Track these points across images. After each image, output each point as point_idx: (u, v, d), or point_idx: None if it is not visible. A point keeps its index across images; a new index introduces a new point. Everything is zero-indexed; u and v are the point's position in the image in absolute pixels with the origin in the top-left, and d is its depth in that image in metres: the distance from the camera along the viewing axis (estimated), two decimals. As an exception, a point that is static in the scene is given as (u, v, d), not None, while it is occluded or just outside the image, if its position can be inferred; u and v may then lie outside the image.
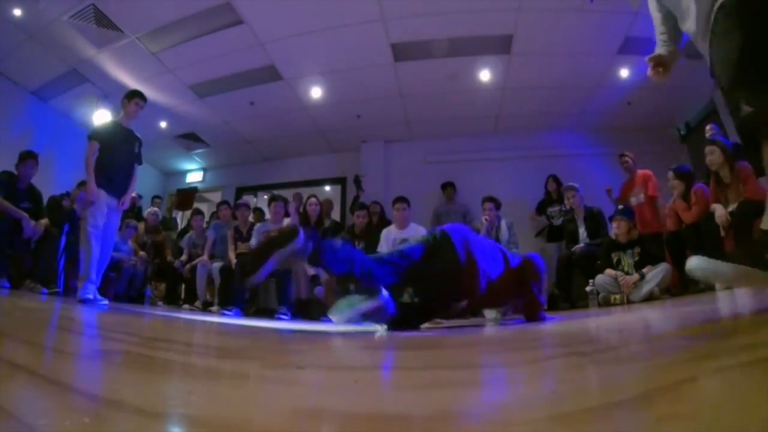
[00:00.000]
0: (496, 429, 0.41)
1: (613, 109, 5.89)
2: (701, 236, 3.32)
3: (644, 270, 3.58)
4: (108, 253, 3.58)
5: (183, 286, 5.30)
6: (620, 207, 4.23)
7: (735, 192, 3.29)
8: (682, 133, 6.19)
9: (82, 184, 4.88)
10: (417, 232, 4.48)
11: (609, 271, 3.73)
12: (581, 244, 4.33)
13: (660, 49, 1.56)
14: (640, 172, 4.64)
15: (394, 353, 1.25)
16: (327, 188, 7.70)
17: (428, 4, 4.22)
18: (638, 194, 4.53)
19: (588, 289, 3.82)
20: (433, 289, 1.97)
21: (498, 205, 4.73)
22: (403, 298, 2.09)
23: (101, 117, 5.54)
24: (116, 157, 3.54)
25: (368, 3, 4.17)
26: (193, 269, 4.96)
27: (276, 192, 6.33)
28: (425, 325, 2.22)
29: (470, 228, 2.19)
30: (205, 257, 4.89)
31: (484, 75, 5.30)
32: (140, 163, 3.79)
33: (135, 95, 3.71)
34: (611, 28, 4.49)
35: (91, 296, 3.25)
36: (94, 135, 3.54)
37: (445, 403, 0.55)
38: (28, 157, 4.09)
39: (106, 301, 3.52)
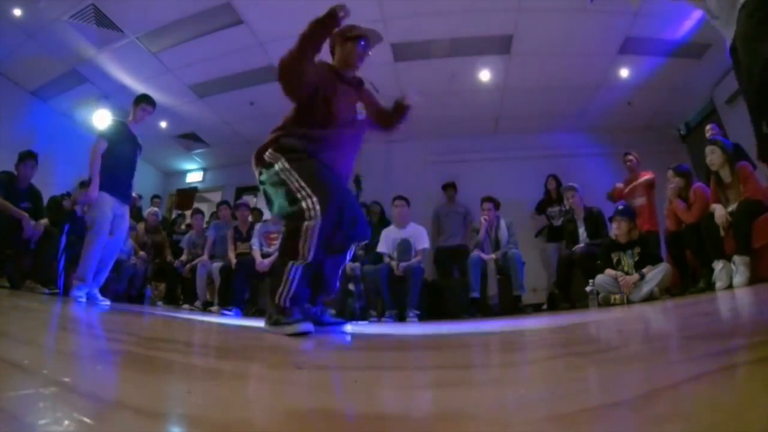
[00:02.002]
0: (496, 429, 0.41)
1: (614, 109, 5.89)
2: (701, 236, 3.31)
3: (644, 270, 3.58)
4: (113, 256, 3.56)
5: (182, 286, 5.30)
6: (620, 207, 4.23)
7: (735, 192, 3.29)
8: (682, 133, 6.19)
9: (83, 184, 4.89)
10: (417, 231, 4.49)
11: (609, 271, 3.73)
12: (581, 244, 4.32)
13: None
14: (643, 174, 4.64)
15: (393, 353, 1.25)
16: (327, 188, 7.68)
17: (428, 4, 4.21)
18: (639, 197, 4.52)
19: (588, 289, 3.82)
20: None
21: (497, 205, 4.73)
22: None
23: (101, 117, 5.54)
24: (121, 160, 3.52)
25: (368, 3, 4.16)
26: (193, 269, 4.96)
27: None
28: None
29: None
30: (205, 257, 4.89)
31: (484, 75, 5.30)
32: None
33: (142, 100, 3.67)
34: (611, 28, 4.48)
35: (83, 298, 3.22)
36: (104, 133, 3.52)
37: (445, 403, 0.55)
38: (27, 158, 4.08)
39: (107, 302, 3.51)
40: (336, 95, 1.97)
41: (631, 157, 4.70)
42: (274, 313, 1.70)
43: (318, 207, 1.69)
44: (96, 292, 3.44)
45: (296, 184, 1.77)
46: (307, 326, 1.62)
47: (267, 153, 1.89)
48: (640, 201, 4.48)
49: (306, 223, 1.69)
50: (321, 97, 1.93)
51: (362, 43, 2.13)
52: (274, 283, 1.74)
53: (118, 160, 3.48)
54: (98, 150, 3.42)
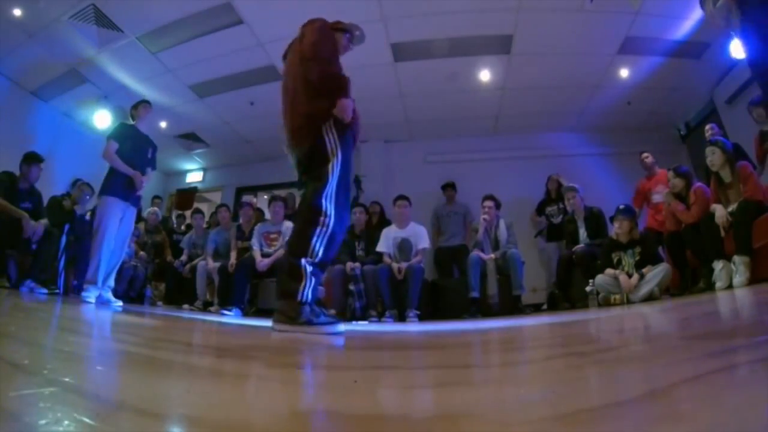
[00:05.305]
0: (496, 429, 0.41)
1: (613, 109, 5.89)
2: (701, 236, 3.31)
3: (644, 270, 3.58)
4: (119, 257, 3.61)
5: (182, 286, 5.28)
6: (621, 206, 4.23)
7: (736, 192, 3.28)
8: (682, 133, 6.19)
9: (75, 182, 4.91)
10: (417, 231, 4.49)
11: (608, 270, 3.73)
12: (581, 244, 4.33)
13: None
14: (661, 171, 4.64)
15: (393, 353, 1.25)
16: (327, 188, 7.68)
17: (428, 4, 4.21)
18: (663, 191, 4.52)
19: (588, 289, 3.82)
20: None
21: (498, 205, 4.73)
22: None
23: (102, 117, 5.55)
24: (131, 162, 3.57)
25: (368, 3, 4.16)
26: (193, 269, 4.95)
27: (276, 192, 6.32)
28: None
29: None
30: (209, 263, 4.86)
31: (484, 75, 5.30)
32: (154, 168, 3.87)
33: (141, 103, 3.84)
34: (611, 28, 4.48)
35: (92, 300, 3.26)
36: (113, 135, 3.61)
37: (445, 403, 0.55)
38: (33, 160, 4.09)
39: (120, 303, 3.55)
40: None
41: (647, 155, 4.78)
42: (303, 313, 1.65)
43: (332, 223, 1.72)
44: (109, 294, 3.49)
45: (330, 191, 1.74)
46: (341, 325, 1.70)
47: (329, 141, 1.76)
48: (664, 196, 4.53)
49: (319, 228, 1.71)
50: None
51: (347, 35, 2.13)
52: (288, 282, 1.68)
53: (126, 162, 3.54)
54: (110, 149, 3.52)
